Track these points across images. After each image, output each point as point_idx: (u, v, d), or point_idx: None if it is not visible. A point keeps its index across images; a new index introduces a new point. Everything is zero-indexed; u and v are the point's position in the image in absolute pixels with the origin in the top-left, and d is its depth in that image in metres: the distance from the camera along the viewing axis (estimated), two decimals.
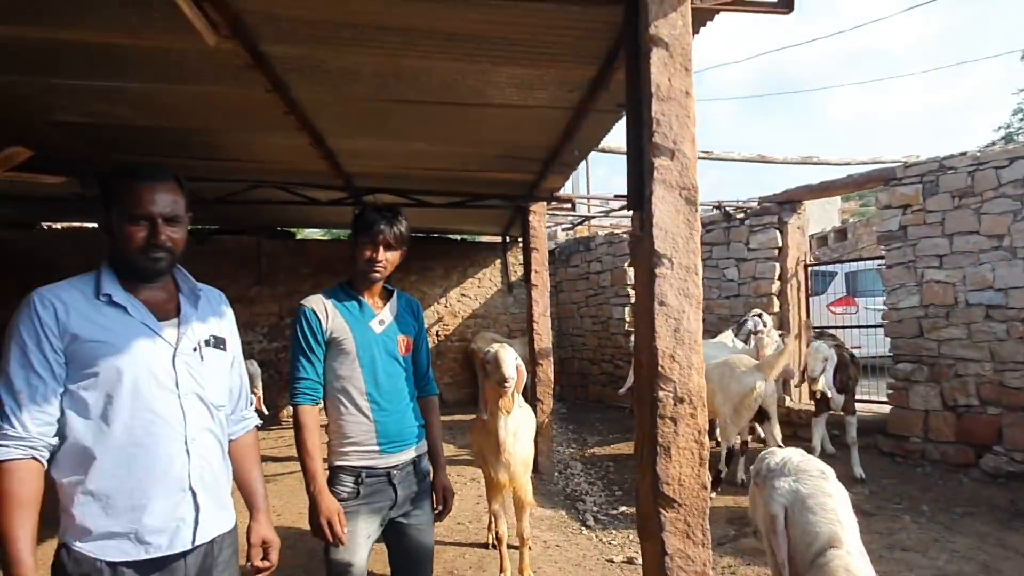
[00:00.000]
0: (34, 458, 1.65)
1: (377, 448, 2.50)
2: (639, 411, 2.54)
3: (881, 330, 7.16)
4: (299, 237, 12.38)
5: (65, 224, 11.05)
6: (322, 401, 2.53)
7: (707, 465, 2.40)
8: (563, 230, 12.59)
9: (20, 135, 4.78)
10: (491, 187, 6.90)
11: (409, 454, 2.58)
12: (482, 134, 5.19)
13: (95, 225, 11.01)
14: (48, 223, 10.96)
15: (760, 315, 6.86)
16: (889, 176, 6.71)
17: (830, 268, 11.99)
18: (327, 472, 2.51)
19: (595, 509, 5.92)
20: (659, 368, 2.34)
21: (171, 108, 4.63)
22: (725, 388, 5.79)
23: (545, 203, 7.10)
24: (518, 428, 4.06)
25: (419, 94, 4.26)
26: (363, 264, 2.50)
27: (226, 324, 2.00)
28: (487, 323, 12.01)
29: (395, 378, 2.55)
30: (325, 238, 13.92)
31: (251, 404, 2.13)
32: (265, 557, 2.01)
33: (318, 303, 2.51)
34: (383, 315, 2.57)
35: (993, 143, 21.02)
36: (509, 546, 4.44)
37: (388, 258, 2.51)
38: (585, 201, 10.11)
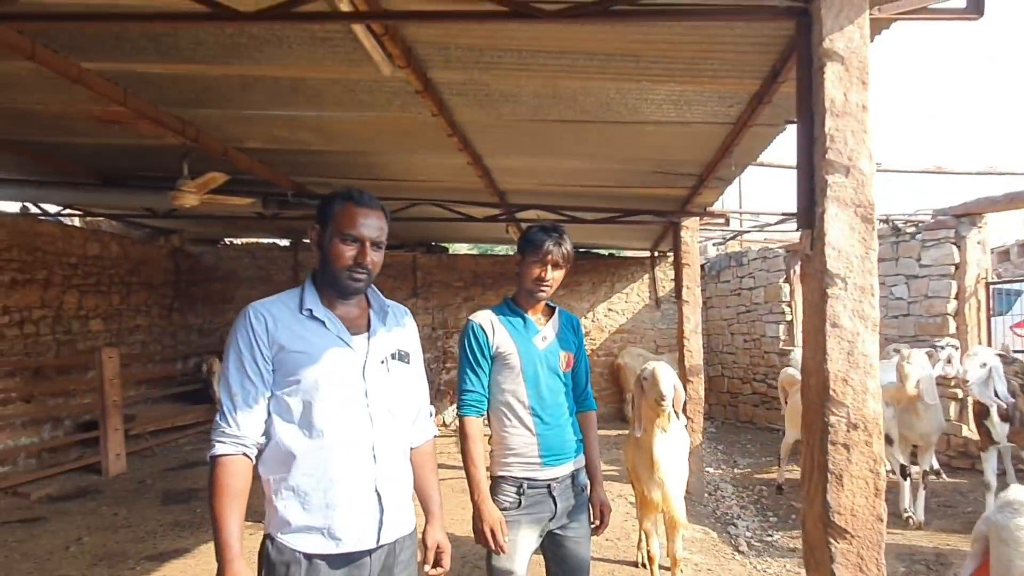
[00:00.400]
0: (244, 454, 1.84)
1: (539, 460, 2.57)
2: (807, 435, 2.46)
3: None
4: (451, 252, 12.83)
5: (244, 240, 12.08)
6: (486, 413, 2.63)
7: (883, 496, 2.28)
8: (713, 244, 12.28)
9: (216, 162, 5.31)
10: (643, 203, 6.88)
11: (568, 467, 2.63)
12: (636, 151, 5.20)
13: (269, 240, 11.97)
14: (229, 239, 12.03)
15: (956, 346, 6.28)
16: None
17: (1016, 286, 10.93)
18: (489, 481, 2.61)
19: (748, 534, 5.72)
20: (830, 392, 2.26)
21: (344, 133, 4.99)
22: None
23: (698, 218, 6.97)
24: (673, 447, 4.01)
25: (576, 114, 4.34)
26: (531, 283, 2.57)
27: (410, 338, 2.14)
28: (634, 338, 11.90)
29: (556, 393, 2.61)
30: (474, 252, 14.33)
31: (431, 415, 2.25)
32: (437, 561, 2.12)
33: (485, 319, 2.61)
34: (546, 331, 2.64)
35: None
36: (660, 566, 4.38)
37: (555, 277, 2.57)
38: (737, 215, 9.83)
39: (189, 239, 11.38)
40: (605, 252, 12.34)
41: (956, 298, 7.54)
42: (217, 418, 1.85)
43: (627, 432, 4.81)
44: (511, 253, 14.03)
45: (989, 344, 7.62)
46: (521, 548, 2.53)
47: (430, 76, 3.78)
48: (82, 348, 8.63)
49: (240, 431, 1.83)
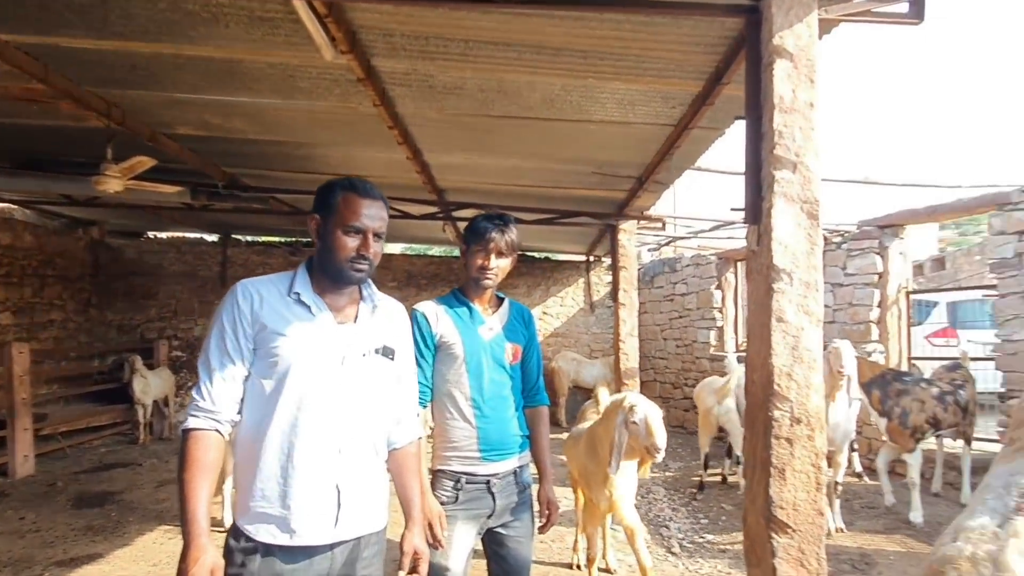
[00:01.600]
0: (218, 431, 1.78)
1: (478, 455, 2.50)
2: (750, 431, 2.47)
3: (985, 364, 6.76)
4: (386, 252, 12.64)
5: (170, 234, 11.63)
6: (429, 404, 2.55)
7: (824, 490, 2.30)
8: (648, 250, 12.46)
9: (143, 147, 5.06)
10: (581, 204, 6.90)
11: (510, 463, 2.56)
12: (578, 151, 5.20)
13: (197, 235, 11.56)
14: (154, 232, 11.56)
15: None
16: (1004, 200, 6.35)
17: (932, 297, 11.44)
18: (429, 475, 2.53)
19: (680, 536, 5.76)
20: (775, 387, 2.26)
21: (281, 122, 4.83)
22: (700, 404, 7.06)
23: (635, 222, 7.03)
24: (626, 463, 3.92)
25: (520, 110, 4.30)
26: (475, 271, 2.52)
27: (399, 335, 2.07)
28: (568, 342, 11.95)
29: (501, 386, 2.54)
30: (409, 253, 14.18)
31: (418, 415, 2.19)
32: (414, 568, 2.06)
33: (429, 308, 2.54)
34: (492, 322, 2.58)
35: None
36: (601, 569, 4.35)
37: (499, 266, 2.52)
38: (672, 221, 9.98)
39: (110, 231, 10.88)
40: (540, 255, 12.37)
41: (879, 306, 7.80)
42: (194, 392, 1.81)
43: (563, 436, 4.77)
44: (445, 255, 14.02)
45: (909, 352, 7.93)
46: (458, 544, 2.46)
47: (373, 64, 3.68)
48: None
49: (215, 407, 1.78)
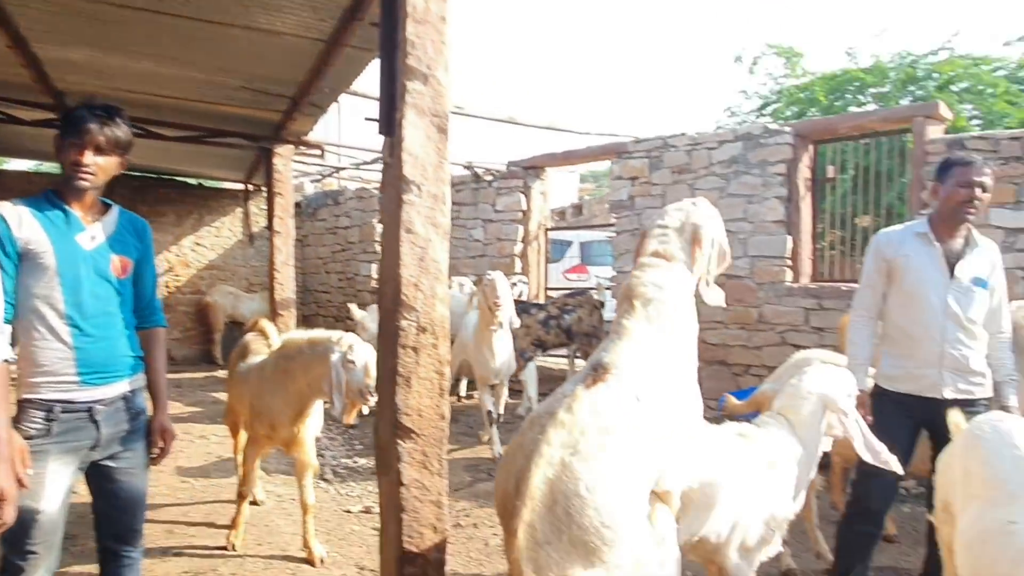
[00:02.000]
0: None
1: (76, 379, 2.18)
2: (381, 343, 2.49)
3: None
4: None
5: None
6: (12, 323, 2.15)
7: (447, 396, 2.41)
8: (311, 181, 12.10)
9: None
10: (232, 124, 6.38)
11: (119, 387, 2.28)
12: (223, 60, 4.74)
13: None
14: None
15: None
16: (622, 150, 7.28)
17: (567, 237, 12.83)
18: (15, 406, 2.15)
19: (334, 463, 5.82)
20: (402, 297, 2.30)
21: None
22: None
23: (292, 147, 6.73)
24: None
25: (149, 1, 3.77)
26: (68, 168, 2.15)
27: None
28: (225, 275, 11.23)
29: (104, 301, 2.23)
30: (33, 171, 12.07)
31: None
32: None
33: (8, 209, 2.11)
34: (94, 230, 2.23)
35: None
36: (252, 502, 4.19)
37: (99, 164, 2.18)
38: (335, 151, 9.76)
39: None
40: (194, 182, 11.34)
41: (523, 241, 8.54)
42: None
43: (219, 374, 4.46)
44: None
45: (546, 283, 8.83)
46: (51, 484, 2.14)
47: None
48: None
49: None
